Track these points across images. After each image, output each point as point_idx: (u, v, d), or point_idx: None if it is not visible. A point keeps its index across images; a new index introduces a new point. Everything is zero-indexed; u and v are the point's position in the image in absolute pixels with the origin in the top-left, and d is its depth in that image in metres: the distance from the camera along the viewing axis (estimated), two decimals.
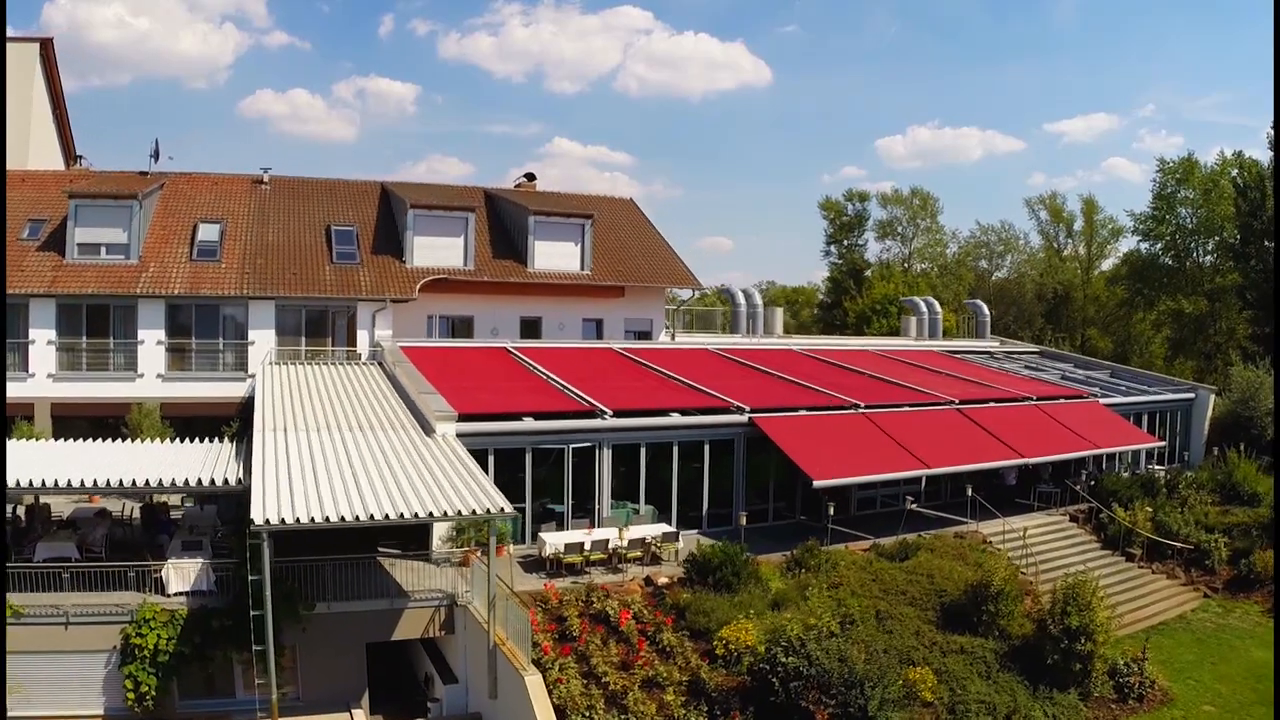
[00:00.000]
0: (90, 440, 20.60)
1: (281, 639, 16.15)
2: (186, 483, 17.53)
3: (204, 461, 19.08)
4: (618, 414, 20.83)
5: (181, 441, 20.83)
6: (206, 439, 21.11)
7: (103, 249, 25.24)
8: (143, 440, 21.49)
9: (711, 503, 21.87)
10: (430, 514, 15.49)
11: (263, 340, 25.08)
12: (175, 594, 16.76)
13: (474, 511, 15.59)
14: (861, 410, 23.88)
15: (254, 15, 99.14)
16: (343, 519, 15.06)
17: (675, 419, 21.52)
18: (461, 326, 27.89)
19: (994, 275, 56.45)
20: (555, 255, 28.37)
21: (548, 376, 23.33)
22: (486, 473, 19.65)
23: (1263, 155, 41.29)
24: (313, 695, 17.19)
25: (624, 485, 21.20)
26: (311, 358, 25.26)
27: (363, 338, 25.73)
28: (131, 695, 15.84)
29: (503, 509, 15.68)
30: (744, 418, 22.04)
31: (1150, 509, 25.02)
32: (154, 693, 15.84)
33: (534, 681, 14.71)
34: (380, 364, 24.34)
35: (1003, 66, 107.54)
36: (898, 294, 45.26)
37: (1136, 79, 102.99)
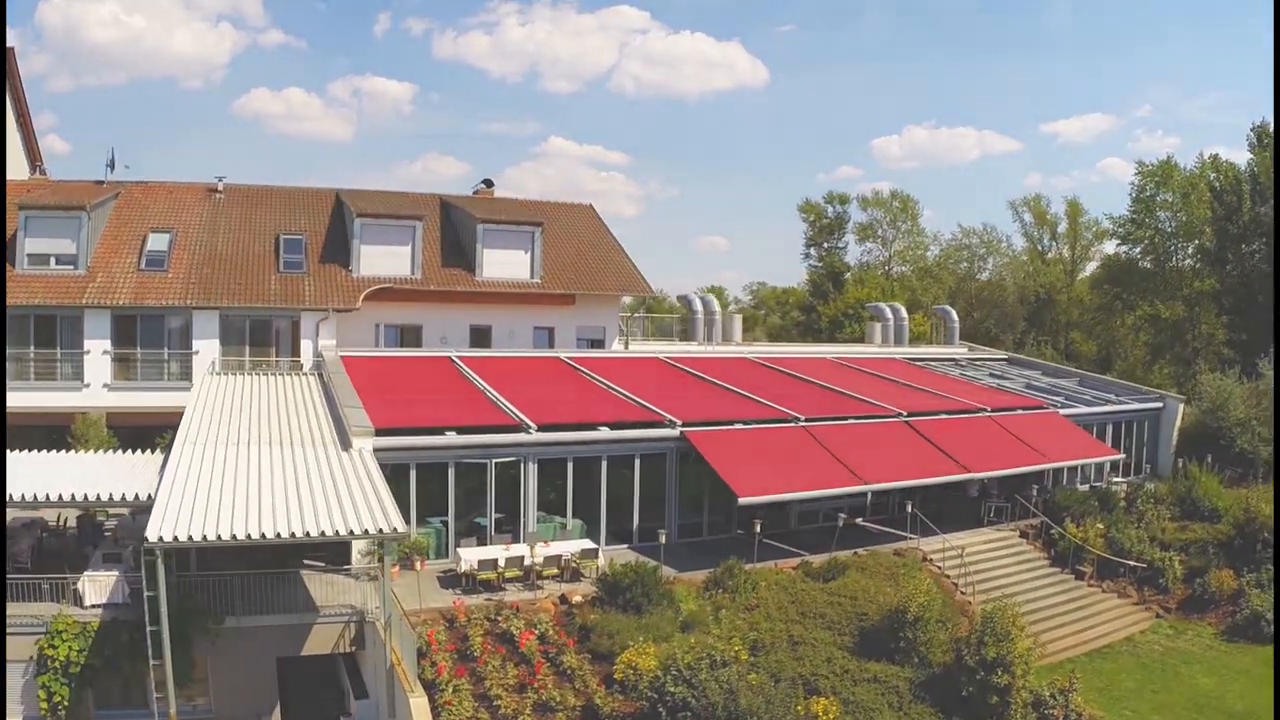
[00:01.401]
0: (26, 451, 20.71)
1: (192, 651, 16.32)
2: (99, 497, 17.64)
3: (129, 474, 19.12)
4: (543, 428, 20.65)
5: (128, 452, 20.87)
6: (140, 450, 21.17)
7: (52, 259, 25.42)
8: (83, 450, 21.62)
9: (642, 517, 21.64)
10: (322, 533, 15.38)
11: (207, 350, 25.19)
12: (91, 606, 16.86)
13: (366, 531, 15.50)
14: (802, 423, 23.53)
15: (250, 14, 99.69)
16: (234, 536, 15.03)
17: (604, 433, 21.31)
18: (410, 335, 27.86)
19: (979, 276, 55.66)
20: (505, 263, 28.25)
21: (484, 388, 23.20)
22: (409, 488, 19.74)
23: (1244, 156, 40.39)
24: (225, 708, 17.28)
25: (553, 499, 21.04)
26: (255, 368, 25.31)
27: (307, 347, 25.75)
28: (45, 705, 16.01)
29: (395, 529, 15.58)
30: (676, 431, 21.79)
31: (1103, 525, 24.47)
32: (66, 702, 16.00)
33: (418, 703, 14.63)
34: (320, 375, 24.32)
35: (999, 67, 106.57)
36: (870, 298, 44.72)
37: (1133, 79, 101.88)
